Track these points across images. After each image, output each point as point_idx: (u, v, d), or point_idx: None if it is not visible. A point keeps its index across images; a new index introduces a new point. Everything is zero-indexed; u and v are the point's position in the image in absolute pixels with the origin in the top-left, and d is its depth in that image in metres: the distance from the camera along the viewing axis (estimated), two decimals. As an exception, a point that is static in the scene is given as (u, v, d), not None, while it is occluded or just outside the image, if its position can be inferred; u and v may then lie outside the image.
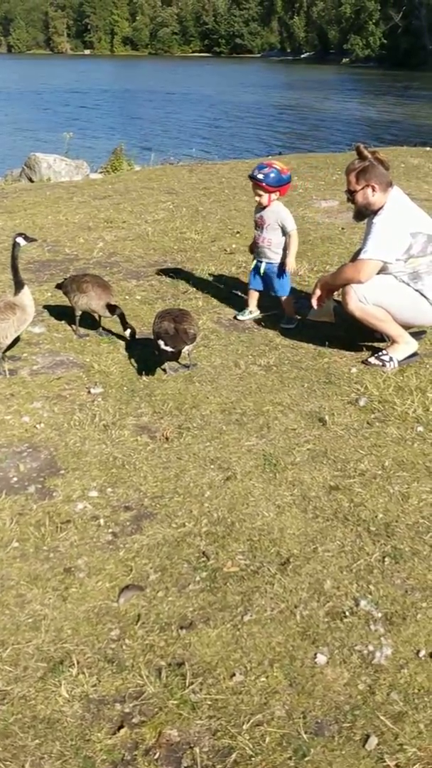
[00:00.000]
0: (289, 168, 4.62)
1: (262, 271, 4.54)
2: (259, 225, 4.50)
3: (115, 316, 4.22)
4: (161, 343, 3.75)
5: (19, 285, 3.80)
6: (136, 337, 4.23)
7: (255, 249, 4.58)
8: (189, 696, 2.02)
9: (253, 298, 4.74)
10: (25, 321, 3.84)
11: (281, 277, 4.50)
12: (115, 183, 9.46)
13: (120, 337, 4.36)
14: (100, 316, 4.43)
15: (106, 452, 3.21)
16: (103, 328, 4.47)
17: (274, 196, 4.38)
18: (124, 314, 4.21)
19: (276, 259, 4.48)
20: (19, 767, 1.83)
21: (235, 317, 4.76)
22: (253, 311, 4.76)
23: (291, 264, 4.45)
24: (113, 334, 4.43)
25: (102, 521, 2.76)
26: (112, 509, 2.84)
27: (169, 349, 3.75)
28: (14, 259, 3.81)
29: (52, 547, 2.63)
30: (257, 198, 4.43)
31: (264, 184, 4.31)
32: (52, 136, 19.66)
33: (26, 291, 3.81)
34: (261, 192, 4.36)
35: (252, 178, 4.38)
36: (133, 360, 4.10)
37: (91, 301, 4.21)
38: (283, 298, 4.59)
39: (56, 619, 2.30)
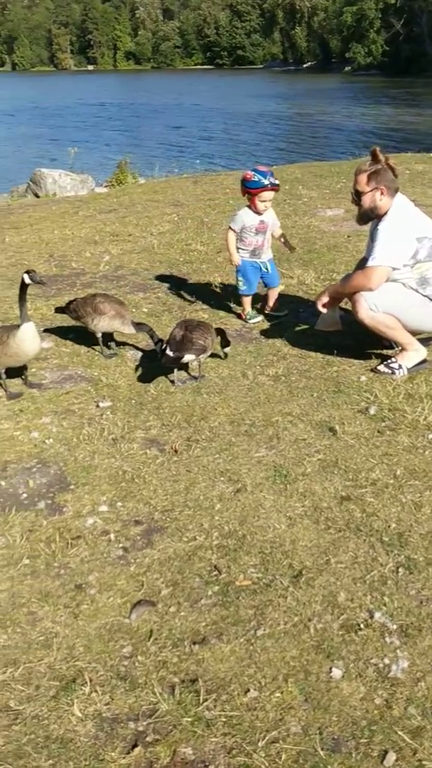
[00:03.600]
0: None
1: (269, 269, 4.74)
2: (260, 230, 4.59)
3: (141, 332, 4.20)
4: (166, 347, 3.76)
5: (23, 319, 3.62)
6: (145, 350, 4.21)
7: (253, 254, 4.69)
8: (203, 713, 2.00)
9: (249, 302, 4.90)
10: (18, 355, 3.67)
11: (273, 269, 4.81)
12: (120, 196, 9.51)
13: (143, 350, 4.40)
14: (113, 334, 4.36)
15: (115, 466, 3.20)
16: (117, 344, 4.44)
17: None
18: (152, 330, 4.14)
19: (270, 253, 4.77)
20: (32, 789, 1.81)
21: (246, 320, 4.87)
22: (255, 313, 4.93)
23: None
24: (138, 348, 4.43)
25: (112, 536, 2.75)
26: (122, 524, 2.82)
27: (171, 354, 3.75)
28: (22, 293, 3.63)
29: (63, 563, 2.61)
30: (266, 205, 4.51)
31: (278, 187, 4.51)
32: (57, 152, 19.85)
33: (26, 328, 3.60)
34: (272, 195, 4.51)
35: (274, 186, 4.45)
36: (140, 373, 4.10)
37: (114, 320, 4.12)
38: (277, 288, 4.90)
39: (68, 636, 2.28)
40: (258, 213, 4.53)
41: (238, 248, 4.67)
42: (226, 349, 4.17)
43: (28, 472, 3.17)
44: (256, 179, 4.44)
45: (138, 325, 4.16)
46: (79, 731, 1.96)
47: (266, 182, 4.41)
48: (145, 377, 4.01)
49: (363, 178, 3.83)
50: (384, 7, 72.98)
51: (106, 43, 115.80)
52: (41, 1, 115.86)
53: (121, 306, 4.19)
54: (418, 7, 62.07)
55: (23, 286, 3.63)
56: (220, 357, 4.20)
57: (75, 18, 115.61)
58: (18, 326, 3.63)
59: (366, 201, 3.86)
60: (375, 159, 3.85)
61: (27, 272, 3.64)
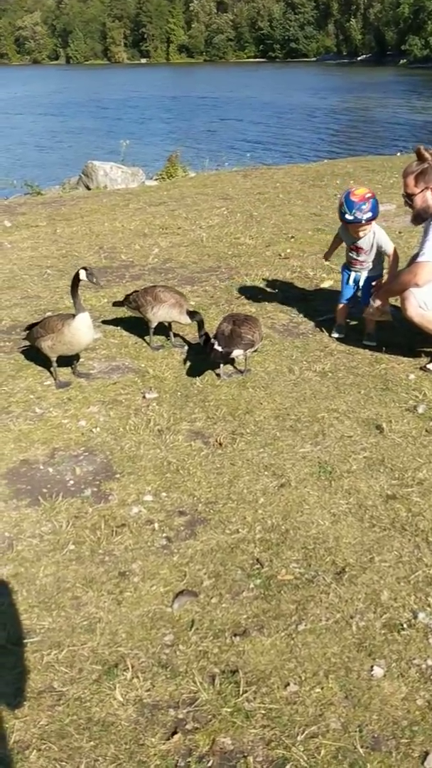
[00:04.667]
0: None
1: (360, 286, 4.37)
2: (353, 249, 4.28)
3: (194, 322, 4.17)
4: (215, 342, 3.76)
5: (78, 309, 3.67)
6: (192, 343, 4.23)
7: (350, 264, 4.38)
8: (243, 704, 2.01)
9: (339, 310, 4.52)
10: (71, 344, 3.73)
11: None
12: (171, 189, 9.55)
13: (190, 343, 4.37)
14: (170, 324, 4.39)
15: (160, 457, 3.23)
16: (175, 335, 4.46)
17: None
18: (203, 320, 4.13)
19: (366, 274, 4.36)
20: (74, 768, 1.85)
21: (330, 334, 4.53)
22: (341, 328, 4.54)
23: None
24: (185, 341, 4.44)
25: (156, 525, 2.78)
26: (166, 514, 2.85)
27: (219, 349, 3.75)
28: (74, 289, 3.67)
29: (108, 550, 2.65)
30: (361, 234, 4.11)
31: (372, 220, 4.03)
32: (108, 144, 20.03)
33: (82, 318, 3.65)
34: (366, 228, 4.07)
35: (357, 221, 4.02)
36: (187, 365, 4.12)
37: (172, 309, 4.14)
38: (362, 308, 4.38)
39: (111, 622, 2.32)
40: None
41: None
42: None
43: (75, 460, 3.23)
44: (343, 210, 4.07)
45: (191, 314, 4.18)
46: (120, 715, 1.99)
47: (348, 217, 4.03)
48: (194, 370, 4.03)
49: (411, 180, 3.77)
50: (443, -2, 71.46)
51: (159, 36, 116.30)
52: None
53: (181, 296, 4.23)
54: None
55: (77, 279, 3.67)
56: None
57: (129, 11, 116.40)
58: (73, 316, 3.68)
59: (418, 202, 3.80)
60: (420, 158, 3.77)
61: (84, 268, 3.66)
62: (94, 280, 3.67)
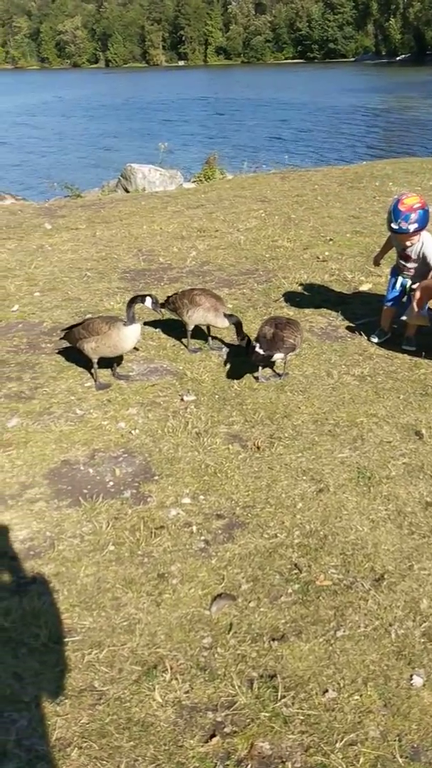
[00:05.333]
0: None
1: (405, 292, 4.31)
2: (402, 256, 4.27)
3: (231, 324, 4.18)
4: (256, 345, 3.77)
5: (130, 322, 3.76)
6: (230, 345, 4.24)
7: (397, 269, 4.36)
8: (281, 709, 2.01)
9: (385, 314, 4.48)
10: (116, 347, 3.81)
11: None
12: (208, 192, 9.58)
13: (230, 345, 4.38)
14: (208, 327, 4.42)
15: (198, 459, 3.25)
16: (213, 338, 4.48)
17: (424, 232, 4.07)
18: (240, 323, 4.14)
19: (410, 281, 4.31)
20: (114, 767, 1.87)
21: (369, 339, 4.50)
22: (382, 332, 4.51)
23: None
24: (224, 344, 4.46)
25: (195, 528, 2.80)
26: (204, 517, 2.87)
27: (261, 352, 3.76)
28: (131, 303, 3.78)
29: (147, 552, 2.68)
30: (408, 243, 4.09)
31: (418, 230, 3.99)
32: (147, 147, 20.17)
33: (134, 328, 3.76)
34: (414, 239, 4.04)
35: (403, 232, 4.01)
36: (225, 368, 4.13)
37: (208, 313, 4.17)
38: (403, 317, 4.35)
39: (150, 623, 2.34)
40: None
41: None
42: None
43: (114, 461, 3.26)
44: (389, 218, 4.07)
45: (228, 317, 4.20)
46: (160, 716, 2.01)
47: (394, 226, 4.02)
48: (232, 373, 4.05)
49: None
50: None
51: (197, 38, 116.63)
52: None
53: (218, 300, 4.25)
54: None
55: (138, 300, 3.81)
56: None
57: (168, 14, 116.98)
58: (122, 320, 3.77)
59: None
60: None
61: (149, 296, 3.85)
62: (158, 309, 3.96)
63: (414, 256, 4.17)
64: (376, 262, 4.67)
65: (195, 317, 4.21)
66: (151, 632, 2.31)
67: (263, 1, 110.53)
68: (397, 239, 4.12)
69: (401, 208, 3.97)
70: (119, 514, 2.90)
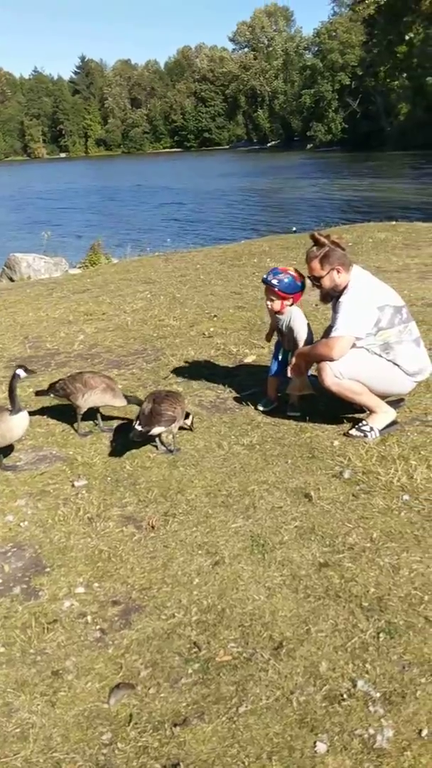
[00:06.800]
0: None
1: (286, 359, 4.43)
2: (274, 325, 4.50)
3: (134, 404, 4.23)
4: (135, 422, 3.80)
5: (17, 410, 3.73)
6: (120, 426, 4.24)
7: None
8: (186, 800, 1.93)
9: (269, 383, 4.61)
10: (4, 438, 3.78)
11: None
12: (94, 277, 9.72)
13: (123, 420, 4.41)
14: (98, 408, 4.37)
15: (91, 546, 3.17)
16: (103, 417, 4.43)
17: (287, 302, 4.29)
18: (141, 401, 4.08)
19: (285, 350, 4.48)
20: None
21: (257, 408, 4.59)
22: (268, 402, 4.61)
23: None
24: (114, 422, 4.46)
25: (89, 618, 2.70)
26: (99, 605, 2.78)
27: (140, 429, 3.78)
28: (12, 388, 3.74)
29: (39, 649, 2.55)
30: (269, 303, 4.32)
31: (277, 290, 4.22)
32: (31, 236, 20.29)
33: (21, 416, 3.74)
34: (273, 297, 4.27)
35: (266, 282, 4.25)
36: (115, 449, 4.11)
37: (105, 394, 4.18)
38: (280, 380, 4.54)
39: (45, 726, 2.21)
40: (272, 311, 4.41)
41: None
42: (187, 421, 4.13)
43: (3, 557, 3.13)
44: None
45: (128, 398, 4.24)
46: None
47: (264, 276, 4.31)
48: (121, 454, 4.02)
49: (316, 264, 3.98)
50: (340, 88, 77.51)
51: (77, 131, 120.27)
52: (13, 95, 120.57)
53: (110, 380, 4.27)
54: (372, 87, 65.75)
55: (15, 379, 3.76)
56: (190, 430, 4.23)
57: (46, 110, 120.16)
58: (8, 409, 3.73)
59: (326, 283, 4.00)
60: (317, 243, 3.99)
61: (20, 366, 3.84)
62: (31, 371, 3.89)
63: (284, 329, 4.39)
64: (267, 339, 4.84)
65: (91, 400, 4.19)
66: (47, 736, 2.18)
67: (138, 96, 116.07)
68: (268, 303, 4.36)
69: (278, 267, 4.35)
70: (9, 612, 2.76)
